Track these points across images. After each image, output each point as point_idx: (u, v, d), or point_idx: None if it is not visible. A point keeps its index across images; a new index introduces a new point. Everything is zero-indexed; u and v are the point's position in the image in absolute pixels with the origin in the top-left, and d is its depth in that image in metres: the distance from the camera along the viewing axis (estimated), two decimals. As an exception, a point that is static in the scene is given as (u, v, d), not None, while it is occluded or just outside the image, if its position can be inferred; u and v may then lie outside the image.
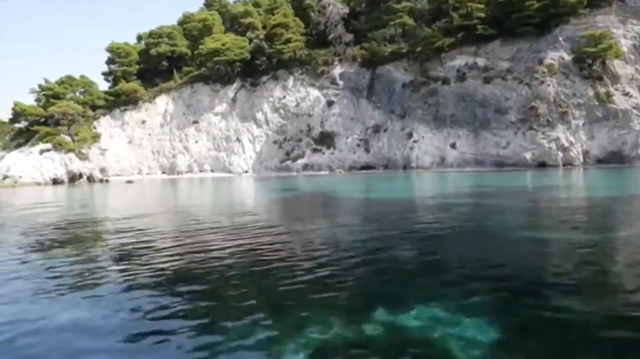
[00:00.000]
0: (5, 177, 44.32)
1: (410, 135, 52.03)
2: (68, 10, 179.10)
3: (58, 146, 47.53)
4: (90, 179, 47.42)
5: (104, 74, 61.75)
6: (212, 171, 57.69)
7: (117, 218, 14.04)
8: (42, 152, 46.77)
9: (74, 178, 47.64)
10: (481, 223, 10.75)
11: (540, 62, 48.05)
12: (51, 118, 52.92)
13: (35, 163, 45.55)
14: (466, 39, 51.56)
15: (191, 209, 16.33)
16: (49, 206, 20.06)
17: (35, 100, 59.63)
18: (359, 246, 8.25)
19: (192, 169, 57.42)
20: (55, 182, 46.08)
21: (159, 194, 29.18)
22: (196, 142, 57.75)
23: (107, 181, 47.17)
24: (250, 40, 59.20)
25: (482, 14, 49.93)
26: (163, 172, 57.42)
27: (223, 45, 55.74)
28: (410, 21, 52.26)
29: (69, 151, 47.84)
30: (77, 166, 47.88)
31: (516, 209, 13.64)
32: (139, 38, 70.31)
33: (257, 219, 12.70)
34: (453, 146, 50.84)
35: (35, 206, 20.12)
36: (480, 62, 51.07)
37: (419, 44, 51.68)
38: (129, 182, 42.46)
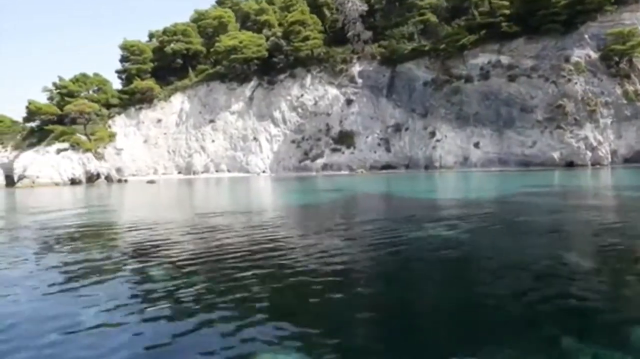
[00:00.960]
0: (22, 177, 43.20)
1: (432, 134, 51.15)
2: (66, 10, 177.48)
3: (76, 146, 46.44)
4: (108, 179, 46.35)
5: (117, 72, 60.67)
6: (228, 171, 56.70)
7: (184, 225, 13.04)
8: (59, 151, 45.68)
9: (91, 178, 46.60)
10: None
11: (567, 60, 47.23)
12: (66, 117, 51.81)
13: (52, 163, 44.48)
14: (489, 36, 50.75)
15: (253, 216, 15.04)
16: (81, 209, 19.05)
17: (48, 98, 58.50)
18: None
19: (209, 169, 56.40)
20: (73, 182, 45.05)
21: (191, 195, 28.14)
22: (213, 141, 56.73)
23: (125, 181, 46.14)
24: (267, 38, 58.19)
25: (507, 11, 48.96)
26: (179, 172, 56.39)
27: (240, 42, 54.75)
28: (433, 18, 51.27)
29: (87, 150, 46.78)
30: (94, 165, 46.83)
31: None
32: (151, 36, 69.28)
33: (349, 229, 11.52)
34: (476, 145, 50.01)
35: (62, 209, 19.11)
36: (504, 60, 50.22)
37: (442, 41, 50.83)
38: (151, 182, 41.40)
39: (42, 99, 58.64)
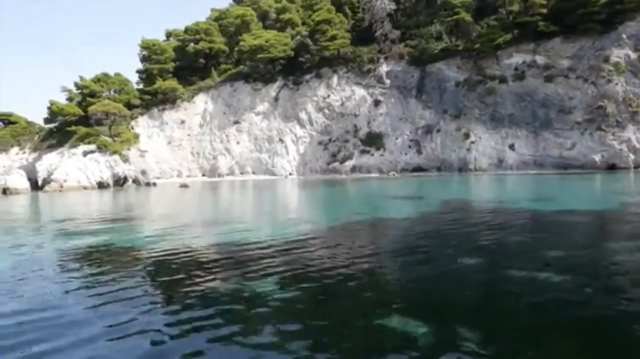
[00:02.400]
0: (49, 181, 41.67)
1: (466, 136, 49.99)
2: (74, 10, 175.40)
3: (103, 148, 44.92)
4: (136, 182, 44.86)
5: (138, 71, 59.06)
6: (253, 173, 55.33)
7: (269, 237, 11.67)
8: (85, 154, 44.15)
9: (118, 181, 45.14)
10: None
11: (606, 60, 46.19)
12: (88, 118, 50.30)
13: (80, 166, 42.97)
14: (523, 35, 49.74)
15: (339, 230, 13.50)
16: (145, 220, 17.63)
17: (67, 99, 56.95)
18: None
19: (234, 171, 55.01)
20: (101, 186, 43.54)
21: (242, 201, 26.77)
22: (237, 143, 55.32)
23: (154, 184, 44.64)
24: (292, 37, 56.90)
25: (544, 10, 47.86)
26: (203, 175, 54.95)
27: (267, 42, 53.37)
28: (468, 17, 50.07)
29: (114, 152, 45.25)
30: (122, 168, 45.36)
31: None
32: (169, 35, 67.70)
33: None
34: (512, 147, 48.92)
35: (124, 218, 17.69)
36: (540, 60, 49.15)
37: (477, 40, 49.67)
38: (184, 186, 39.91)
39: (59, 98, 57.20)
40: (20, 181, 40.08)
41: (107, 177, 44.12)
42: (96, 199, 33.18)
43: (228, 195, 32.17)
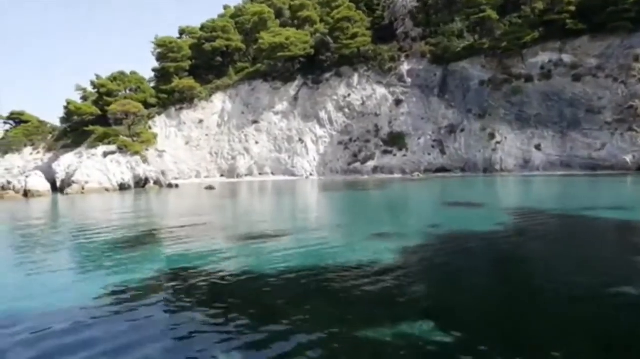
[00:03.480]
0: (69, 183, 40.62)
1: (492, 136, 49.12)
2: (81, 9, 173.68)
3: (124, 148, 43.85)
4: (158, 183, 43.82)
5: (154, 70, 57.86)
6: (272, 173, 54.37)
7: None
8: (106, 154, 43.07)
9: (139, 183, 44.09)
10: None
11: (636, 59, 45.39)
12: (105, 117, 49.25)
13: (101, 167, 41.92)
14: (549, 33, 48.82)
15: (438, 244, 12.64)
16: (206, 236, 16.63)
17: (81, 98, 55.85)
18: None
19: (252, 171, 54.03)
20: (122, 187, 42.52)
21: (286, 205, 25.68)
22: (256, 143, 54.31)
23: (176, 186, 43.60)
24: (311, 35, 55.88)
25: (572, 8, 46.92)
26: (221, 175, 53.95)
27: (287, 39, 52.30)
28: (494, 15, 49.11)
29: (135, 153, 44.19)
30: (143, 170, 44.30)
31: None
32: (182, 32, 66.61)
33: None
34: (538, 147, 48.10)
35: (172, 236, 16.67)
36: (567, 58, 48.29)
37: (503, 39, 48.68)
38: (210, 188, 38.88)
39: (73, 97, 56.08)
40: (41, 183, 38.96)
41: (128, 178, 43.08)
42: (125, 203, 32.15)
43: (267, 199, 31.00)
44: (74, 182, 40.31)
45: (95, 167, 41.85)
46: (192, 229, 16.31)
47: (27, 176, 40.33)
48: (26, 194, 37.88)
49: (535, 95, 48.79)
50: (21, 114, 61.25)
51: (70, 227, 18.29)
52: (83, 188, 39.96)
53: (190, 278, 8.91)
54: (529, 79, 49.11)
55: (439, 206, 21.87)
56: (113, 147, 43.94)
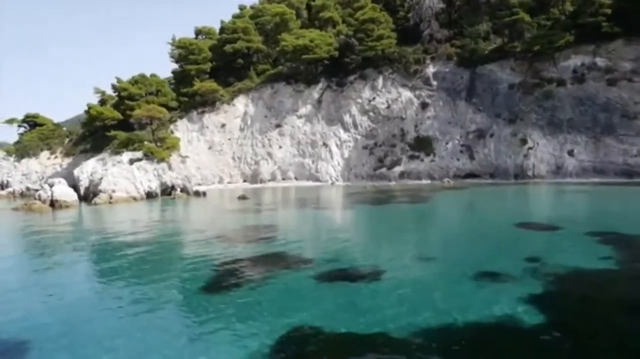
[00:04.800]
0: (95, 192, 39.38)
1: (523, 141, 48.10)
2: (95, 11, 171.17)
3: (150, 155, 42.60)
4: (184, 191, 42.62)
5: (174, 72, 56.47)
6: (296, 178, 53.26)
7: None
8: (132, 161, 41.83)
9: (165, 190, 42.91)
10: None
11: (673, 63, 44.47)
12: (127, 122, 47.97)
13: (127, 175, 40.68)
14: (582, 36, 47.71)
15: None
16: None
17: (99, 101, 54.50)
18: None
19: (275, 176, 52.89)
20: (149, 196, 41.35)
21: (346, 224, 24.57)
22: (280, 147, 53.16)
23: (204, 194, 42.42)
24: (335, 36, 54.65)
25: (608, 10, 45.80)
26: (244, 181, 52.81)
27: (311, 41, 51.04)
28: (527, 17, 47.97)
29: (161, 160, 42.98)
30: (169, 177, 43.13)
31: None
32: (198, 33, 65.22)
33: None
34: (570, 153, 47.10)
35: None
36: (600, 62, 47.22)
37: (535, 42, 47.53)
38: (243, 198, 37.71)
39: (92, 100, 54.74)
40: (68, 193, 37.74)
41: (155, 186, 41.93)
42: (164, 217, 31.03)
43: (315, 214, 29.76)
44: (101, 191, 39.08)
45: (121, 175, 40.63)
46: (274, 261, 15.19)
47: (50, 184, 39.03)
48: (53, 204, 36.70)
49: (567, 99, 47.75)
50: (35, 116, 59.94)
51: (132, 260, 17.08)
52: (111, 197, 38.75)
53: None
54: (561, 83, 48.05)
55: (510, 228, 20.70)
56: (139, 154, 42.71)
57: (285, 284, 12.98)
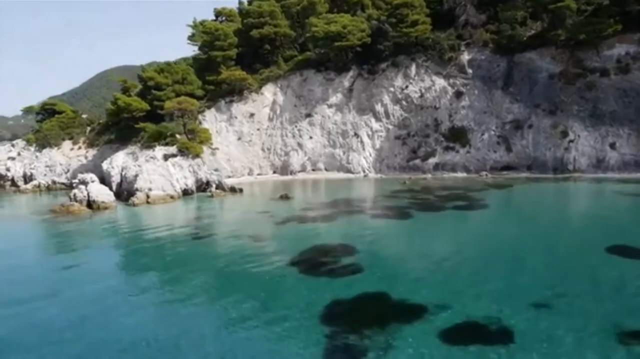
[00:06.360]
0: (131, 191, 38.16)
1: (564, 134, 46.80)
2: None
3: (185, 150, 41.17)
4: (220, 187, 41.42)
5: (195, 58, 54.25)
6: (326, 169, 52.02)
7: None
8: (166, 158, 40.43)
9: (200, 187, 41.70)
10: None
11: None
12: (155, 113, 46.31)
13: (163, 172, 39.39)
14: (627, 24, 45.82)
15: None
16: None
17: (122, 90, 52.62)
18: None
19: (305, 167, 51.64)
20: (185, 193, 40.17)
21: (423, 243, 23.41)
22: (310, 137, 51.71)
23: (240, 190, 41.24)
24: (367, 21, 52.47)
25: (658, -3, 43.85)
26: (274, 172, 51.55)
27: (344, 28, 48.95)
28: (573, 4, 45.91)
29: (196, 156, 41.59)
30: (204, 173, 41.85)
31: None
32: (218, 14, 62.67)
33: None
34: (612, 146, 45.91)
35: None
36: (646, 51, 45.53)
37: (581, 30, 45.57)
38: (285, 197, 36.60)
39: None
40: (105, 193, 36.51)
41: (191, 183, 40.73)
42: (220, 219, 29.92)
43: (385, 224, 28.74)
44: (137, 190, 37.82)
45: (156, 172, 39.33)
46: (382, 311, 14.11)
47: (82, 181, 37.64)
48: (90, 205, 35.52)
49: (610, 90, 46.22)
50: (54, 104, 58.10)
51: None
52: (148, 197, 37.53)
53: None
54: (604, 73, 46.43)
55: (606, 257, 19.56)
56: (173, 150, 41.30)
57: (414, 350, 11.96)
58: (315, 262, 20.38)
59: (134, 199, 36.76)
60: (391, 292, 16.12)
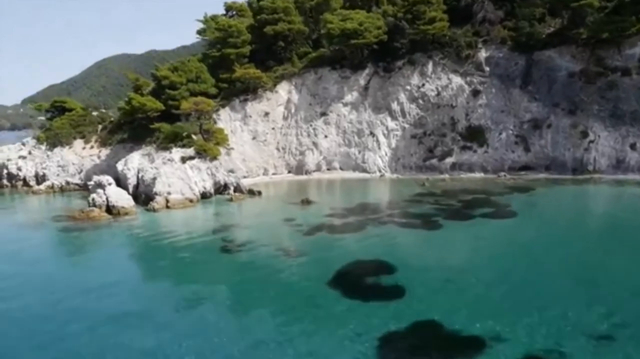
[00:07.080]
0: (150, 195, 37.63)
1: (584, 134, 46.30)
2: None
3: (202, 153, 40.59)
4: (237, 190, 40.94)
5: (206, 55, 53.23)
6: (341, 168, 51.56)
7: None
8: (184, 160, 39.86)
9: (218, 190, 41.20)
10: None
11: None
12: (169, 112, 45.62)
13: (181, 175, 38.85)
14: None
15: None
16: None
17: (134, 88, 51.81)
18: None
19: (320, 167, 51.13)
20: (203, 196, 39.68)
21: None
22: (325, 136, 51.10)
23: (259, 193, 40.79)
24: (383, 17, 51.51)
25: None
26: (289, 172, 51.04)
27: (360, 25, 48.07)
28: (596, 2, 45.02)
29: (213, 158, 41.04)
30: (222, 175, 41.33)
31: None
32: (228, 9, 61.57)
33: None
34: (633, 146, 45.46)
35: None
36: (668, 50, 44.84)
37: (603, 28, 44.76)
38: (306, 202, 36.19)
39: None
40: (124, 198, 35.99)
41: (209, 186, 40.20)
42: (237, 232, 29.47)
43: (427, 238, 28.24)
44: (156, 194, 37.30)
45: (175, 175, 38.78)
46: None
47: (98, 183, 37.07)
48: (109, 210, 35.03)
49: (632, 90, 45.63)
50: (64, 101, 57.33)
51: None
52: (167, 201, 37.06)
53: None
54: (625, 72, 45.80)
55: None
56: (191, 152, 40.69)
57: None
58: (355, 282, 20.06)
59: (153, 204, 36.26)
60: (444, 321, 15.76)
